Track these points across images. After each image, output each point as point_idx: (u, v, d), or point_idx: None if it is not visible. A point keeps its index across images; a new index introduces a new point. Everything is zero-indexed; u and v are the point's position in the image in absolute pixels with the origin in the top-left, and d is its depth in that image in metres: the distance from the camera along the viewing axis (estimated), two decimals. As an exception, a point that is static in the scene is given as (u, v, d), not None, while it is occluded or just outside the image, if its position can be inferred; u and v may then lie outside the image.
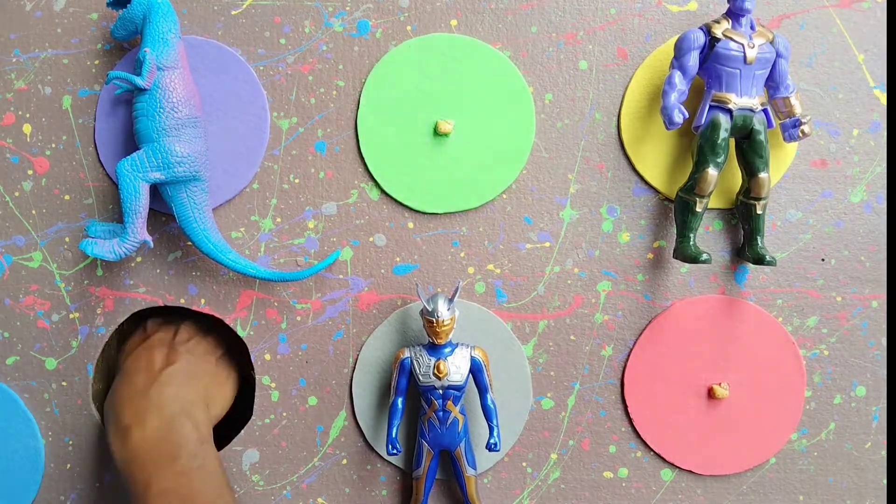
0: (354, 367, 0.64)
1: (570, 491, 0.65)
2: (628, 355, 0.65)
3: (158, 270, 0.64)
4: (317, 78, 0.64)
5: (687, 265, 0.64)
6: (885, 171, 0.64)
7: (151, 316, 0.69)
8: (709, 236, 0.64)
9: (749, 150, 0.60)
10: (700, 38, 0.59)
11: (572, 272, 0.64)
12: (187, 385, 0.61)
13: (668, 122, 0.58)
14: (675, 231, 0.62)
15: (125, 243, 0.58)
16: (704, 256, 0.59)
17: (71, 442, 0.65)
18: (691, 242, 0.61)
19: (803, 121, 0.60)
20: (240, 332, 0.64)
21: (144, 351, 0.63)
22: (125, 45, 0.63)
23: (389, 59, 0.63)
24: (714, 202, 0.64)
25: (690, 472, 0.65)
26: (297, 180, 0.64)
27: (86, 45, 0.63)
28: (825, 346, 0.65)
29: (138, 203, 0.58)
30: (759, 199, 0.61)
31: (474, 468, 0.62)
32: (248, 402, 0.66)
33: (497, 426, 0.61)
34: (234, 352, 0.68)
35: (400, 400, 0.62)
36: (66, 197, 0.64)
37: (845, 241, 0.65)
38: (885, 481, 0.65)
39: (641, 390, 0.64)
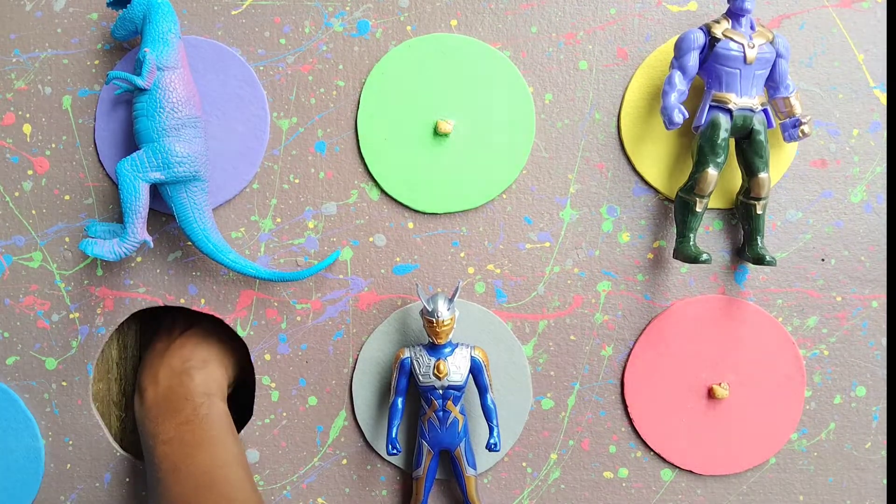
0: (354, 367, 0.64)
1: (570, 491, 0.65)
2: (628, 355, 0.65)
3: (158, 270, 0.64)
4: (317, 78, 0.64)
5: (687, 265, 0.64)
6: (885, 171, 0.64)
7: (154, 322, 0.69)
8: (709, 236, 0.64)
9: (749, 150, 0.60)
10: (700, 38, 0.59)
11: (572, 272, 0.64)
12: (203, 344, 0.65)
13: (668, 122, 0.58)
14: (675, 231, 0.62)
15: (125, 243, 0.59)
16: (704, 256, 0.59)
17: (71, 442, 0.65)
18: (691, 242, 0.61)
19: (803, 121, 0.60)
20: (240, 332, 0.64)
21: (169, 321, 0.69)
22: (125, 45, 0.63)
23: (389, 59, 0.63)
24: (714, 202, 0.64)
25: (690, 472, 0.65)
26: (297, 180, 0.64)
27: (86, 45, 0.64)
28: (825, 346, 0.65)
29: (138, 203, 0.58)
30: (759, 199, 0.61)
31: (474, 468, 0.62)
32: (249, 402, 0.66)
33: (497, 426, 0.61)
34: (235, 352, 0.68)
35: (400, 400, 0.62)
36: (66, 197, 0.64)
37: (845, 241, 0.65)
38: (885, 481, 0.65)
39: (641, 390, 0.64)
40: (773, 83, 0.61)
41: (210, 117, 0.63)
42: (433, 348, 0.61)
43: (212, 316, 0.65)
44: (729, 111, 0.59)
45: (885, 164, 0.64)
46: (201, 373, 0.63)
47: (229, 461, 0.59)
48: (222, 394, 0.64)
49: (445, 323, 0.59)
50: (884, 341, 0.65)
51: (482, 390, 0.61)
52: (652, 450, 0.65)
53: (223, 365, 0.66)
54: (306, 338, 0.64)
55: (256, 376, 0.64)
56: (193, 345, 0.65)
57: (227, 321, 0.64)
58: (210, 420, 0.60)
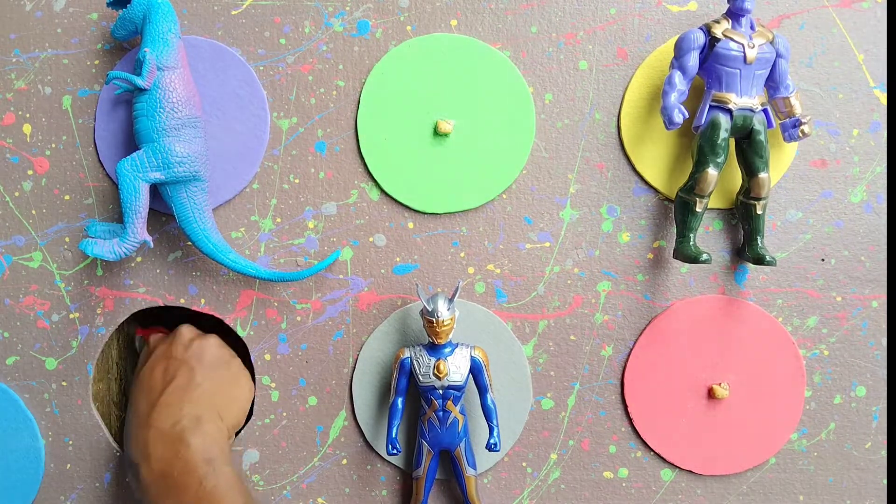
0: (354, 367, 0.64)
1: (570, 491, 0.65)
2: (628, 355, 0.65)
3: (158, 270, 0.64)
4: (317, 78, 0.64)
5: (687, 265, 0.64)
6: (885, 171, 0.64)
7: (154, 322, 0.69)
8: (709, 236, 0.64)
9: (749, 150, 0.60)
10: (700, 38, 0.59)
11: (572, 272, 0.64)
12: (190, 400, 0.58)
13: (668, 122, 0.58)
14: (675, 231, 0.62)
15: (125, 243, 0.59)
16: (704, 256, 0.59)
17: (71, 442, 0.65)
18: (691, 242, 0.61)
19: (803, 121, 0.60)
20: (240, 332, 0.64)
21: (147, 372, 0.61)
22: (125, 45, 0.63)
23: (389, 59, 0.63)
24: (714, 202, 0.64)
25: (690, 472, 0.65)
26: (297, 180, 0.64)
27: (86, 45, 0.64)
28: (825, 346, 0.65)
29: (138, 203, 0.58)
30: (759, 199, 0.61)
31: (474, 468, 0.62)
32: (248, 402, 0.66)
33: (497, 426, 0.61)
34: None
35: (400, 400, 0.62)
36: (66, 197, 0.64)
37: (845, 241, 0.65)
38: (885, 481, 0.65)
39: (641, 390, 0.64)
40: (773, 83, 0.61)
41: (210, 117, 0.63)
42: (433, 348, 0.61)
43: (211, 317, 0.65)
44: (729, 111, 0.59)
45: (885, 164, 0.64)
46: (197, 435, 0.56)
47: None
48: (225, 454, 0.57)
49: (445, 323, 0.59)
50: (884, 341, 0.65)
51: (482, 390, 0.61)
52: (652, 450, 0.65)
53: (218, 415, 0.59)
54: (306, 338, 0.64)
55: (256, 376, 0.64)
56: (179, 399, 0.58)
57: (227, 321, 0.64)
58: (219, 492, 0.54)
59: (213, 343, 0.63)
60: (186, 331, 0.64)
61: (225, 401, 0.61)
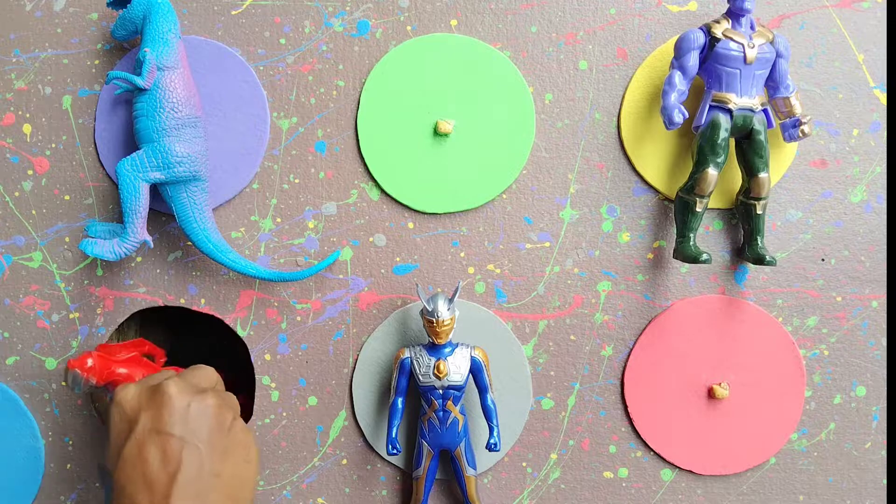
0: (354, 367, 0.64)
1: (570, 491, 0.65)
2: (628, 355, 0.65)
3: (158, 270, 0.64)
4: (317, 78, 0.64)
5: (687, 265, 0.64)
6: (885, 171, 0.64)
7: (155, 322, 0.68)
8: (709, 236, 0.64)
9: (749, 150, 0.60)
10: (700, 38, 0.59)
11: (572, 272, 0.64)
12: (207, 499, 0.48)
13: (668, 122, 0.58)
14: (675, 231, 0.62)
15: (125, 243, 0.59)
16: (704, 256, 0.59)
17: (71, 442, 0.65)
18: (691, 242, 0.61)
19: (803, 121, 0.60)
20: (240, 332, 0.64)
21: (135, 452, 0.49)
22: (125, 45, 0.63)
23: (389, 59, 0.63)
24: (714, 202, 0.64)
25: (690, 472, 0.65)
26: (297, 180, 0.64)
27: (86, 45, 0.64)
28: (825, 346, 0.65)
29: (138, 203, 0.58)
30: (759, 199, 0.61)
31: (474, 468, 0.62)
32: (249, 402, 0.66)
33: (497, 426, 0.61)
34: (233, 353, 0.68)
35: (400, 400, 0.62)
36: (66, 197, 0.64)
37: (845, 241, 0.65)
38: (885, 481, 0.65)
39: (641, 390, 0.64)
40: (773, 83, 0.61)
41: (210, 117, 0.63)
42: (433, 348, 0.61)
43: (210, 317, 0.65)
44: (729, 111, 0.59)
45: (885, 164, 0.64)
46: None
47: None
48: None
49: (445, 323, 0.59)
50: (884, 341, 0.65)
51: (482, 390, 0.61)
52: (652, 450, 0.65)
53: (237, 489, 0.50)
54: (306, 338, 0.64)
55: (256, 376, 0.64)
56: (196, 502, 0.48)
57: (227, 321, 0.64)
58: None
59: (210, 404, 0.51)
60: (176, 395, 0.50)
61: (240, 484, 0.51)
